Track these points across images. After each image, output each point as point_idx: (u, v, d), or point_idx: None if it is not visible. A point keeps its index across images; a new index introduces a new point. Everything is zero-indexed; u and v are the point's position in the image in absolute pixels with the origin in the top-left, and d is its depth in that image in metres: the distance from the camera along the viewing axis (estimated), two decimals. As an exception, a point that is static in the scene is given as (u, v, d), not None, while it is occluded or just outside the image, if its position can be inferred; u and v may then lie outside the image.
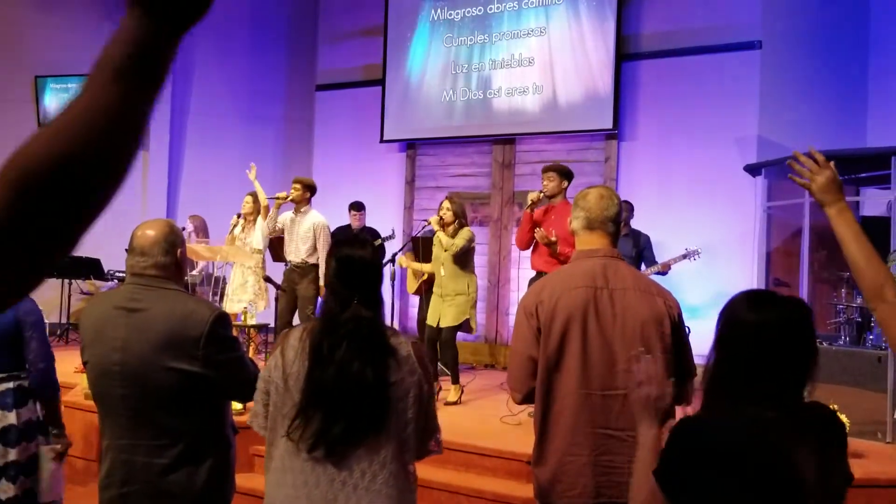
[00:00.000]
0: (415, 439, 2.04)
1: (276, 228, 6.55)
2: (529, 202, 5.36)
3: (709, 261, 6.81)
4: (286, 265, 6.75)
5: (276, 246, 7.04)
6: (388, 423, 1.95)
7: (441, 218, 5.88)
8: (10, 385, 2.92)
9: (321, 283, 6.39)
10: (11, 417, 2.89)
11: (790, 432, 1.55)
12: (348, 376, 1.91)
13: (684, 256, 6.17)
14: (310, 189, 6.55)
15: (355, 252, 2.05)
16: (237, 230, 6.91)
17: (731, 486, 1.54)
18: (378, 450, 1.94)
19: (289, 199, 6.44)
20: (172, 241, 2.30)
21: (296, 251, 6.43)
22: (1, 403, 2.89)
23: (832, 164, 1.86)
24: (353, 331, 1.95)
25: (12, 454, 2.87)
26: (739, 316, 1.62)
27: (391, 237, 7.18)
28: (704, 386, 1.66)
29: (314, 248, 6.42)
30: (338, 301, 2.00)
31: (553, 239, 5.13)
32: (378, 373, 1.93)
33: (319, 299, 6.46)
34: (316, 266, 6.42)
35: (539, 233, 5.20)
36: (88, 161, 0.70)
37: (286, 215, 6.55)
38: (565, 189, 5.45)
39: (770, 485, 1.53)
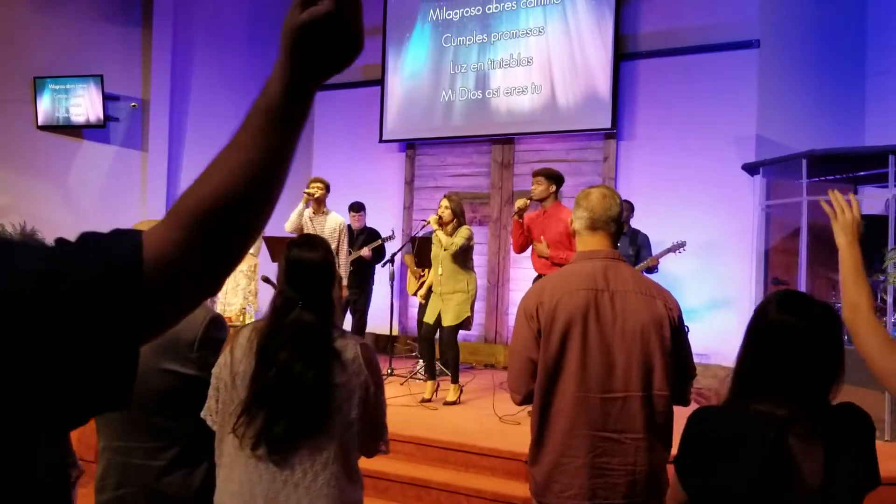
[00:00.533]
0: (362, 440, 2.06)
1: (298, 226, 6.54)
2: (517, 209, 5.40)
3: (707, 259, 6.82)
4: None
5: (273, 246, 7.03)
6: (330, 425, 1.97)
7: (440, 217, 5.90)
8: None
9: (344, 283, 6.41)
10: None
11: (797, 432, 1.57)
12: (289, 378, 1.93)
13: (670, 250, 6.15)
14: (328, 189, 6.59)
15: (304, 254, 2.05)
16: None
17: (730, 475, 1.59)
18: (320, 450, 1.97)
19: (314, 196, 6.46)
20: None
21: None
22: None
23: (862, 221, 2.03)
24: (296, 334, 1.97)
25: None
26: (767, 315, 1.67)
27: (391, 237, 7.18)
28: (731, 379, 1.71)
29: (336, 250, 6.43)
30: (285, 303, 2.02)
31: (547, 253, 5.22)
32: (320, 375, 1.95)
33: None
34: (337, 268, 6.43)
35: (539, 248, 5.30)
36: (257, 202, 0.83)
37: (305, 213, 6.56)
38: (554, 193, 5.47)
39: (766, 479, 1.56)
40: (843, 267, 1.92)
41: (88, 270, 0.79)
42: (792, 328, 1.62)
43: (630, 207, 6.74)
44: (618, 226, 2.46)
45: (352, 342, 2.05)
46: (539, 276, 5.41)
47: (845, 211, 1.98)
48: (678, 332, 2.36)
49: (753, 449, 1.58)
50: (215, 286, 0.87)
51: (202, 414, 2.13)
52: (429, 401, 5.82)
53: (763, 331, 1.67)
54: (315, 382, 1.94)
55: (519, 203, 5.40)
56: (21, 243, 0.82)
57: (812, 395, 1.61)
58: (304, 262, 2.04)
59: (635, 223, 6.71)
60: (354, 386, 2.00)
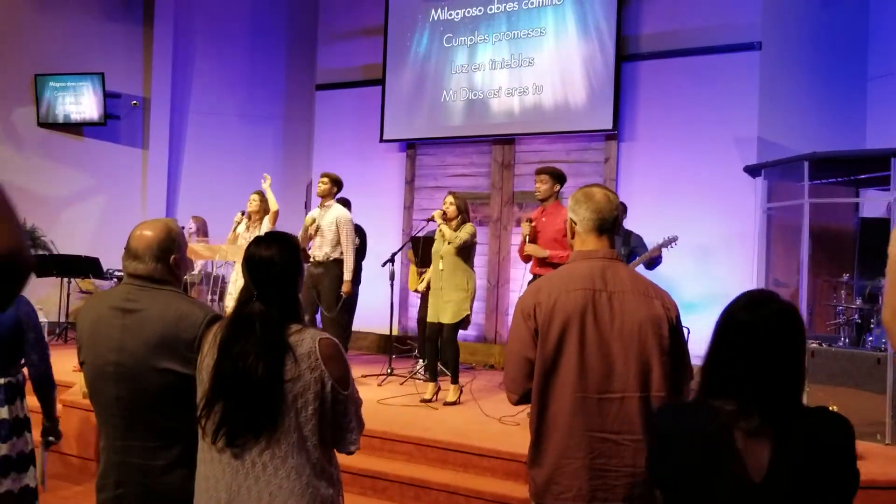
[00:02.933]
0: (327, 435, 2.04)
1: (312, 232, 6.43)
2: (523, 235, 5.41)
3: (708, 261, 6.82)
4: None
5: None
6: (283, 419, 1.97)
7: (444, 212, 5.91)
8: (1, 381, 2.93)
9: (347, 277, 6.33)
10: (4, 412, 2.90)
11: (744, 427, 1.60)
12: (241, 371, 1.96)
13: (663, 245, 6.12)
14: (336, 184, 6.49)
15: (259, 251, 2.08)
16: (240, 228, 6.86)
17: (680, 468, 1.65)
18: (279, 444, 1.97)
19: (317, 193, 6.40)
20: (167, 246, 2.27)
21: (320, 245, 6.37)
22: None
23: None
24: (248, 327, 2.01)
25: (3, 449, 2.88)
26: (727, 311, 1.71)
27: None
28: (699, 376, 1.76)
29: (338, 243, 6.38)
30: (245, 297, 2.07)
31: (545, 254, 5.22)
32: (270, 369, 1.96)
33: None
34: (340, 262, 6.32)
35: (532, 248, 5.32)
36: None
37: (314, 211, 6.52)
38: (557, 192, 5.48)
39: (710, 471, 1.60)
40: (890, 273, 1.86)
41: None
42: (746, 325, 1.65)
43: (623, 208, 6.72)
44: (618, 226, 2.49)
45: (309, 336, 2.04)
46: (535, 278, 5.41)
47: None
48: (676, 332, 2.35)
49: (699, 441, 1.63)
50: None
51: None
52: (429, 401, 5.81)
53: (721, 328, 1.71)
54: (264, 376, 1.95)
55: (525, 230, 5.40)
56: None
57: (767, 393, 1.62)
58: (255, 258, 2.08)
59: (632, 224, 6.70)
60: (308, 381, 1.99)
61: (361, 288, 7.65)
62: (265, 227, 6.71)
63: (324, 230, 6.36)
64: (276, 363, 1.97)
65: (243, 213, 6.90)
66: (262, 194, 6.79)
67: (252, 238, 2.20)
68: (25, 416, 3.02)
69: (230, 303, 6.69)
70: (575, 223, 2.45)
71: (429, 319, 5.99)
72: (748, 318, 1.66)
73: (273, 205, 6.69)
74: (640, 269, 6.27)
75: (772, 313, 1.66)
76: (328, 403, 2.02)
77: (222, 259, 6.89)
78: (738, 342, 1.65)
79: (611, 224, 2.44)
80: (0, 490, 2.81)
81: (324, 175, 6.52)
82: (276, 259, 2.08)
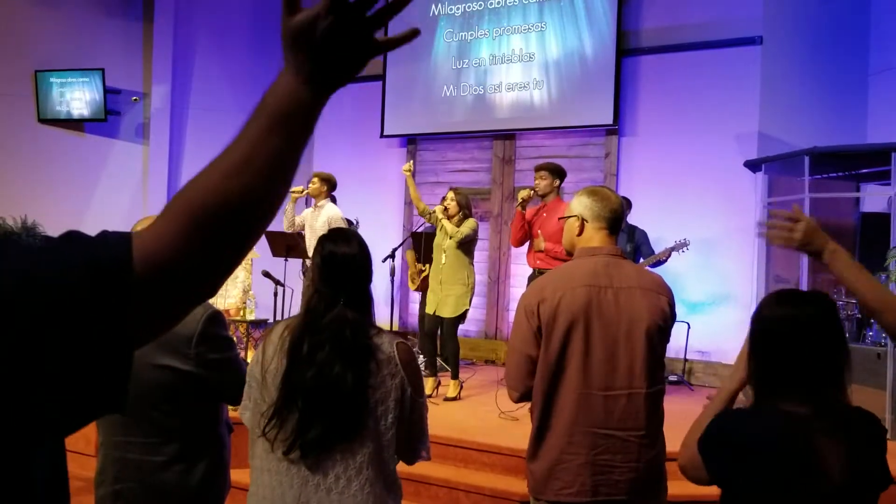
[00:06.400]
0: (400, 445, 1.97)
1: (297, 224, 6.48)
2: (520, 200, 5.35)
3: (709, 256, 6.81)
4: (285, 260, 6.74)
5: (274, 241, 7.03)
6: (364, 428, 1.88)
7: (445, 208, 5.90)
8: None
9: None
10: None
11: (821, 430, 1.60)
12: (327, 379, 1.85)
13: (674, 249, 6.12)
14: (327, 182, 6.46)
15: (339, 249, 1.97)
16: None
17: (761, 477, 1.62)
18: (354, 455, 1.88)
19: (305, 192, 6.39)
20: None
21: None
22: None
23: (808, 217, 1.93)
24: (337, 332, 1.88)
25: None
26: (764, 314, 1.70)
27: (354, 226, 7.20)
28: (752, 382, 1.74)
29: None
30: (322, 300, 1.93)
31: (543, 247, 5.20)
32: (358, 377, 1.86)
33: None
34: None
35: (537, 243, 5.29)
36: (253, 201, 0.80)
37: (307, 210, 6.53)
38: (557, 187, 5.44)
39: (796, 479, 1.59)
40: (855, 286, 1.86)
41: (76, 269, 0.77)
42: (791, 320, 1.65)
43: (628, 204, 6.72)
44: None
45: (387, 340, 1.95)
46: (534, 273, 5.39)
47: (794, 228, 1.89)
48: (672, 321, 2.40)
49: (782, 449, 1.61)
50: (211, 286, 0.83)
51: (238, 412, 2.06)
52: (430, 396, 5.81)
53: (764, 329, 1.69)
54: (353, 384, 1.85)
55: (522, 193, 5.38)
56: (7, 241, 0.79)
57: (825, 387, 1.63)
58: (338, 256, 1.96)
59: (633, 219, 6.69)
60: (389, 388, 1.90)
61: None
62: None
63: (316, 230, 6.35)
64: (364, 371, 1.87)
65: None
66: None
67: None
68: None
69: (220, 302, 6.69)
70: (586, 220, 2.45)
71: (427, 311, 5.98)
72: (796, 314, 1.66)
73: None
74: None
75: (816, 305, 1.67)
76: (407, 411, 1.94)
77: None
78: (789, 339, 1.64)
79: (620, 225, 2.48)
80: None
81: (315, 175, 6.50)
82: (358, 256, 1.97)
